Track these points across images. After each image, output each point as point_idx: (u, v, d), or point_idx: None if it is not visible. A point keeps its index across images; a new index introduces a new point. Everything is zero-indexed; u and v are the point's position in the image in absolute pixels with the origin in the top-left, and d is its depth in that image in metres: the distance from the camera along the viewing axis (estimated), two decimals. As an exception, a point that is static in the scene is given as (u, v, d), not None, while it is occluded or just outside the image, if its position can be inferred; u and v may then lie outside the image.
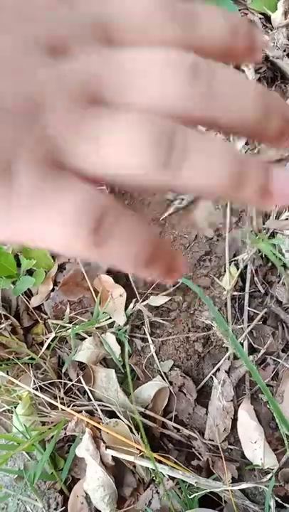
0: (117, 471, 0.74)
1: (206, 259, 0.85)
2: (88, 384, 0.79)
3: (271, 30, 0.88)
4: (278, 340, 0.80)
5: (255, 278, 0.83)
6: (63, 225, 0.15)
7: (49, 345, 0.82)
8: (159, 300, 0.83)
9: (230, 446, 0.75)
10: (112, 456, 0.71)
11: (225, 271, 0.84)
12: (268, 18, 0.91)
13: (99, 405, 0.77)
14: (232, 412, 0.76)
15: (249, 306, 0.82)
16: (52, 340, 0.82)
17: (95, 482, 0.71)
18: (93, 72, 0.17)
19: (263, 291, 0.83)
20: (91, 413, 0.77)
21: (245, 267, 0.83)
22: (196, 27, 0.18)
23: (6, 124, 0.15)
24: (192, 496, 0.65)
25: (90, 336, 0.83)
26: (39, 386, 0.79)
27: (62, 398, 0.79)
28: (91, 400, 0.78)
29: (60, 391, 0.80)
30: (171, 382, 0.79)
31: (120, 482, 0.74)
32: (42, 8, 0.17)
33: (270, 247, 0.80)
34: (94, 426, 0.74)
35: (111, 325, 0.83)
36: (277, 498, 0.67)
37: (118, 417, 0.75)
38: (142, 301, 0.82)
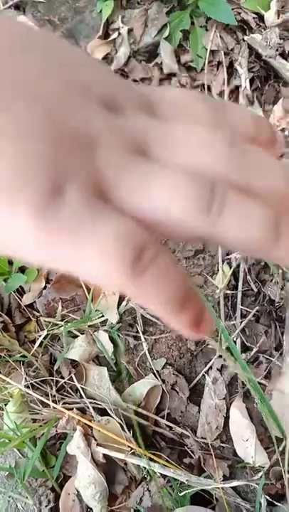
0: (109, 468, 0.74)
1: (199, 257, 0.85)
2: (80, 382, 0.79)
3: (264, 30, 0.89)
4: (271, 339, 0.80)
5: (248, 277, 0.83)
6: (102, 255, 0.16)
7: (41, 342, 0.82)
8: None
9: (222, 444, 0.74)
10: (104, 453, 0.71)
11: (218, 269, 0.84)
12: (261, 18, 0.91)
13: (91, 403, 0.77)
14: (224, 410, 0.75)
15: (242, 305, 0.82)
16: (44, 338, 0.82)
17: (86, 479, 0.70)
18: (142, 130, 0.18)
19: (255, 289, 0.83)
20: (83, 411, 0.77)
21: (238, 265, 0.83)
22: (227, 114, 0.21)
23: (64, 151, 0.16)
24: (183, 493, 0.65)
25: (82, 333, 0.83)
26: (31, 384, 0.78)
27: (54, 396, 0.78)
28: (83, 398, 0.78)
29: (51, 389, 0.80)
30: (163, 381, 0.79)
31: (112, 480, 0.74)
32: (98, 71, 0.20)
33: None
34: (85, 423, 0.73)
35: (104, 323, 0.83)
36: (267, 497, 0.67)
37: (110, 415, 0.75)
38: (135, 299, 0.82)
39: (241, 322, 0.79)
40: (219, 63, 0.95)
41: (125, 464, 0.74)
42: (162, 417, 0.78)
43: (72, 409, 0.76)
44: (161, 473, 0.69)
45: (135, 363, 0.81)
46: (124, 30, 0.99)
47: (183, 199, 0.17)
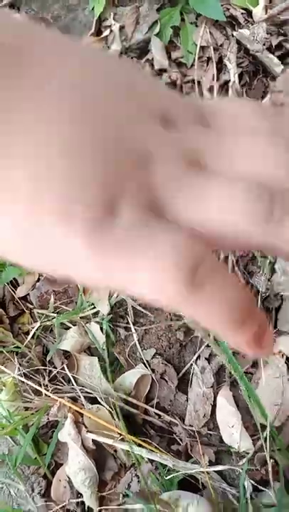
0: (99, 455, 0.76)
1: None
2: (72, 372, 0.81)
3: (252, 25, 0.90)
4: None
5: (236, 268, 0.84)
6: (159, 270, 0.15)
7: (34, 334, 0.84)
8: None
9: (209, 432, 0.76)
10: (93, 440, 0.73)
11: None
12: (249, 13, 0.92)
13: (82, 392, 0.78)
14: (212, 399, 0.77)
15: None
16: (37, 330, 0.84)
17: (76, 465, 0.72)
18: (197, 142, 0.18)
19: (243, 281, 0.84)
20: (74, 399, 0.79)
21: (226, 257, 0.85)
22: (283, 121, 0.20)
23: (119, 167, 0.16)
24: (169, 477, 0.66)
25: (74, 325, 0.84)
26: (24, 373, 0.80)
27: (47, 386, 0.80)
28: (74, 388, 0.80)
29: (44, 379, 0.82)
30: (153, 370, 0.81)
31: (102, 467, 0.76)
32: (152, 86, 0.20)
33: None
34: (76, 411, 0.75)
35: (95, 314, 0.84)
36: (252, 481, 0.68)
37: (100, 404, 0.77)
38: (125, 291, 0.83)
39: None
40: (209, 59, 0.96)
41: (115, 450, 0.76)
42: (152, 406, 0.80)
43: (63, 398, 0.78)
44: (149, 459, 0.70)
45: (126, 353, 0.83)
46: (116, 27, 1.00)
47: (241, 209, 0.16)
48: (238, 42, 0.93)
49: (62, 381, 0.83)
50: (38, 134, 0.15)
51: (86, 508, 0.74)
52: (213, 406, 0.77)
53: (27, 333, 0.86)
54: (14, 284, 0.89)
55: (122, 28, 1.00)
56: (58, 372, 0.82)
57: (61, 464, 0.78)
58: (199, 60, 0.97)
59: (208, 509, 0.67)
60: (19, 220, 0.15)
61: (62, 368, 0.82)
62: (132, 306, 0.84)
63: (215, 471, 0.72)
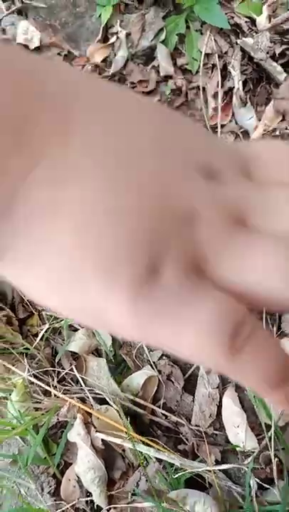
0: (108, 455, 0.78)
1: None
2: (80, 373, 0.83)
3: (256, 33, 0.92)
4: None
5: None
6: (201, 335, 0.15)
7: (43, 335, 0.85)
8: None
9: (215, 432, 0.78)
10: (102, 440, 0.75)
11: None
12: (253, 22, 0.94)
13: (90, 393, 0.80)
14: (217, 399, 0.79)
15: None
16: (46, 331, 0.86)
17: (85, 464, 0.74)
18: (241, 198, 0.18)
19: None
20: (83, 400, 0.81)
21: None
22: None
23: (162, 227, 0.16)
24: (176, 476, 0.68)
25: (82, 327, 0.86)
26: (33, 374, 0.82)
27: (56, 387, 0.82)
28: (83, 388, 0.81)
29: (53, 380, 0.84)
30: (160, 371, 0.83)
31: (110, 466, 0.78)
32: (195, 138, 0.19)
33: None
34: (85, 411, 0.77)
35: (102, 316, 0.86)
36: (257, 479, 0.70)
37: (109, 404, 0.79)
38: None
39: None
40: (213, 66, 0.98)
41: (123, 450, 0.78)
42: (158, 406, 0.81)
43: (73, 398, 0.80)
44: (156, 458, 0.72)
45: (133, 354, 0.85)
46: (123, 34, 1.02)
47: (284, 269, 0.16)
48: (242, 50, 0.95)
49: (71, 382, 0.84)
50: (86, 191, 0.15)
51: (95, 506, 0.75)
52: (219, 406, 0.79)
53: (36, 335, 0.88)
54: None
55: (128, 35, 1.02)
56: (66, 373, 0.84)
57: (70, 464, 0.80)
58: (204, 67, 0.98)
59: (214, 507, 0.69)
60: (61, 273, 0.15)
61: (71, 369, 0.84)
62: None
63: (221, 470, 0.73)
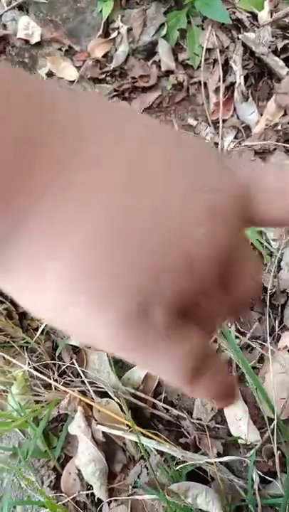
0: (108, 448, 0.77)
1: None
2: (81, 366, 0.82)
3: (258, 28, 0.92)
4: (264, 325, 0.83)
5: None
6: (172, 367, 0.18)
7: (43, 329, 0.85)
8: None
9: (217, 425, 0.78)
10: (103, 432, 0.74)
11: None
12: (254, 16, 0.94)
13: (91, 386, 0.80)
14: (219, 393, 0.78)
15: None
16: (46, 325, 0.85)
17: (86, 457, 0.74)
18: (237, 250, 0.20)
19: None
20: (84, 393, 0.80)
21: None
22: None
23: (161, 270, 0.17)
24: (178, 468, 0.68)
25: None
26: (34, 367, 0.82)
27: (56, 380, 0.82)
28: (84, 382, 0.81)
29: (54, 373, 0.83)
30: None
31: (111, 459, 0.77)
32: (202, 176, 0.18)
33: (256, 235, 0.83)
34: (86, 404, 0.77)
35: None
36: (260, 472, 0.70)
37: (110, 397, 0.78)
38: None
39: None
40: (215, 61, 0.98)
41: (124, 443, 0.77)
42: (160, 400, 0.81)
43: (73, 391, 0.79)
44: (157, 451, 0.72)
45: (134, 348, 0.84)
46: (124, 29, 1.02)
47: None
48: (244, 44, 0.95)
49: (72, 376, 0.84)
50: (85, 231, 0.16)
51: (96, 499, 0.75)
52: (221, 400, 0.78)
53: (36, 328, 0.88)
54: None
55: (129, 30, 1.02)
56: (67, 367, 0.84)
57: (71, 457, 0.79)
58: (205, 62, 0.99)
59: (216, 500, 0.69)
60: (56, 296, 0.17)
61: (72, 363, 0.83)
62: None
63: (223, 464, 0.73)
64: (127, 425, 0.74)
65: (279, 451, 0.70)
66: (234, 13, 0.95)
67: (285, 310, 0.82)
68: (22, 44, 1.06)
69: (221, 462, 0.72)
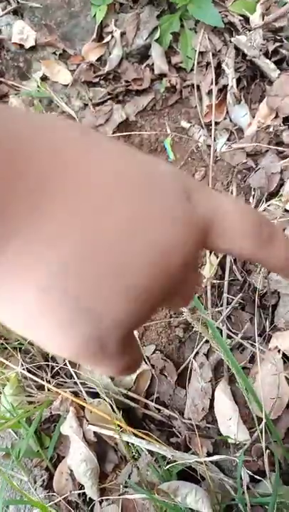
0: (100, 448, 0.78)
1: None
2: (74, 367, 0.83)
3: (249, 31, 0.93)
4: (255, 326, 0.84)
5: (234, 267, 0.86)
6: (115, 372, 0.22)
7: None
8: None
9: (207, 425, 0.78)
10: (95, 432, 0.75)
11: (205, 260, 0.88)
12: (246, 20, 0.95)
13: (83, 387, 0.81)
14: (210, 393, 0.79)
15: (228, 294, 0.86)
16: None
17: (78, 457, 0.74)
18: (187, 286, 0.24)
19: (241, 279, 0.86)
20: (76, 394, 0.81)
21: (225, 256, 0.87)
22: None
23: (116, 305, 0.19)
24: (168, 467, 0.68)
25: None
26: (27, 369, 0.82)
27: (49, 381, 0.82)
28: (76, 383, 0.82)
29: (47, 374, 0.84)
30: (153, 366, 0.83)
31: (103, 459, 0.78)
32: (159, 209, 0.20)
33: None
34: (78, 404, 0.77)
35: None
36: (249, 472, 0.70)
37: (101, 398, 0.79)
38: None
39: (227, 309, 0.83)
40: (208, 64, 0.99)
41: (116, 443, 0.78)
42: (152, 401, 0.82)
43: (65, 392, 0.80)
44: (148, 451, 0.72)
45: (126, 349, 0.85)
46: (117, 33, 1.03)
47: None
48: (236, 47, 0.95)
49: (65, 377, 0.85)
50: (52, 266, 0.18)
51: (87, 499, 0.76)
52: (212, 400, 0.79)
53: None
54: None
55: (123, 34, 1.03)
56: (60, 368, 0.85)
57: (63, 457, 0.80)
58: (198, 65, 0.99)
59: (206, 499, 0.69)
60: (25, 320, 0.19)
61: (65, 364, 0.84)
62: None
63: (213, 463, 0.73)
64: (119, 425, 0.75)
65: (268, 451, 0.70)
66: (226, 16, 0.96)
67: (276, 310, 0.83)
68: (17, 48, 1.07)
69: (211, 461, 0.73)
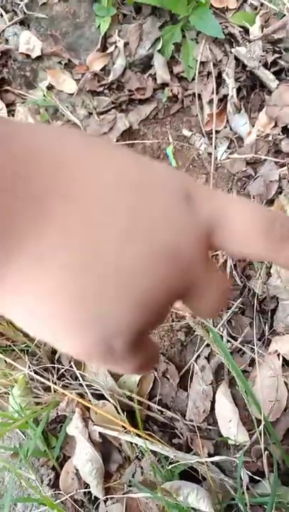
0: (105, 449, 0.81)
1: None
2: (79, 370, 0.86)
3: (249, 42, 0.95)
4: (255, 330, 0.86)
5: (234, 272, 0.89)
6: (128, 371, 0.23)
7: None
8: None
9: (208, 427, 0.81)
10: (100, 433, 0.78)
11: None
12: (246, 31, 0.97)
13: (89, 389, 0.83)
14: (211, 395, 0.82)
15: (228, 299, 0.88)
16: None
17: (83, 457, 0.77)
18: (193, 285, 0.22)
19: (241, 284, 0.89)
20: (81, 396, 0.84)
21: (225, 261, 0.90)
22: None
23: (121, 311, 0.20)
24: (171, 467, 0.71)
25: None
26: (34, 370, 0.85)
27: (55, 383, 0.85)
28: (82, 384, 0.84)
29: (53, 376, 0.87)
30: (155, 368, 0.86)
31: (107, 459, 0.81)
32: (160, 212, 0.20)
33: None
34: (83, 406, 0.80)
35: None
36: (249, 472, 0.73)
37: (106, 400, 0.82)
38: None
39: (227, 313, 0.86)
40: (209, 74, 1.01)
41: (120, 444, 0.81)
42: (154, 402, 0.84)
43: (71, 393, 0.83)
44: (151, 451, 0.75)
45: (130, 352, 0.88)
46: (121, 43, 1.06)
47: None
48: (236, 58, 0.98)
49: (70, 379, 0.88)
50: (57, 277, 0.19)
51: (92, 497, 0.78)
52: (213, 402, 0.81)
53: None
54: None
55: (126, 44, 1.06)
56: (66, 370, 0.87)
57: (69, 457, 0.83)
58: (199, 75, 1.02)
59: (207, 498, 0.72)
60: (36, 322, 0.20)
61: (71, 366, 0.87)
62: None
63: (214, 464, 0.76)
64: (123, 426, 0.78)
65: (267, 452, 0.73)
66: (227, 27, 0.99)
67: (275, 315, 0.85)
68: (23, 58, 1.09)
69: (212, 462, 0.75)
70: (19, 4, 1.10)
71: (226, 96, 0.99)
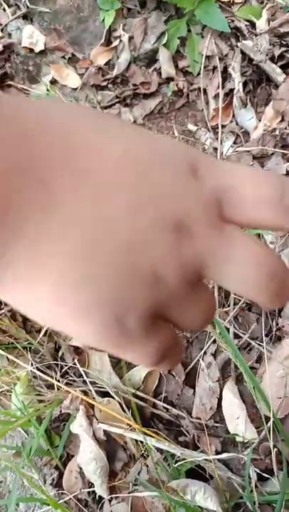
0: (109, 447, 0.79)
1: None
2: (83, 367, 0.84)
3: (256, 36, 0.94)
4: (262, 326, 0.85)
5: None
6: (143, 360, 0.21)
7: (46, 331, 0.87)
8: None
9: (215, 424, 0.79)
10: (104, 431, 0.76)
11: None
12: (253, 25, 0.97)
13: (93, 386, 0.82)
14: (218, 392, 0.80)
15: (235, 294, 0.87)
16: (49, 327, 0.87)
17: (87, 455, 0.75)
18: (207, 251, 0.20)
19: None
20: (85, 393, 0.82)
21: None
22: None
23: (128, 284, 0.19)
24: (177, 465, 0.69)
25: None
26: (37, 368, 0.84)
27: (59, 380, 0.84)
28: (86, 382, 0.83)
29: (56, 374, 0.85)
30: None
31: (112, 458, 0.79)
32: (167, 185, 0.20)
33: (255, 238, 0.85)
34: (87, 403, 0.78)
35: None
36: (257, 470, 0.71)
37: (111, 397, 0.80)
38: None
39: (234, 309, 0.84)
40: (214, 68, 1.00)
41: (125, 442, 0.79)
42: (160, 400, 0.83)
43: (75, 391, 0.81)
44: (157, 449, 0.73)
45: (135, 349, 0.86)
46: (125, 37, 1.05)
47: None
48: (242, 52, 0.97)
49: (74, 376, 0.86)
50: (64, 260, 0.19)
51: (97, 497, 0.77)
52: (219, 399, 0.80)
53: (39, 330, 0.90)
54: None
55: (131, 38, 1.05)
56: (69, 367, 0.86)
57: (73, 456, 0.81)
58: (205, 69, 1.01)
59: (214, 497, 0.70)
60: (44, 309, 0.19)
61: (74, 364, 0.85)
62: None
63: (221, 462, 0.75)
64: (128, 424, 0.76)
65: (275, 449, 0.71)
66: (233, 21, 0.98)
67: (282, 311, 0.84)
68: (26, 52, 1.08)
69: (219, 460, 0.74)
70: (22, -2, 1.09)
71: (231, 90, 0.98)
